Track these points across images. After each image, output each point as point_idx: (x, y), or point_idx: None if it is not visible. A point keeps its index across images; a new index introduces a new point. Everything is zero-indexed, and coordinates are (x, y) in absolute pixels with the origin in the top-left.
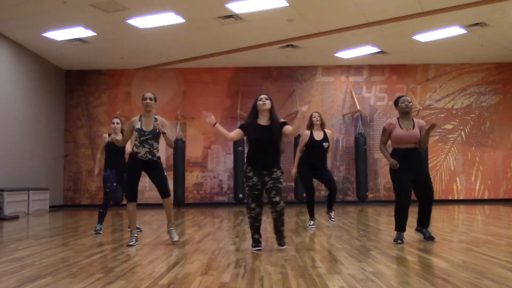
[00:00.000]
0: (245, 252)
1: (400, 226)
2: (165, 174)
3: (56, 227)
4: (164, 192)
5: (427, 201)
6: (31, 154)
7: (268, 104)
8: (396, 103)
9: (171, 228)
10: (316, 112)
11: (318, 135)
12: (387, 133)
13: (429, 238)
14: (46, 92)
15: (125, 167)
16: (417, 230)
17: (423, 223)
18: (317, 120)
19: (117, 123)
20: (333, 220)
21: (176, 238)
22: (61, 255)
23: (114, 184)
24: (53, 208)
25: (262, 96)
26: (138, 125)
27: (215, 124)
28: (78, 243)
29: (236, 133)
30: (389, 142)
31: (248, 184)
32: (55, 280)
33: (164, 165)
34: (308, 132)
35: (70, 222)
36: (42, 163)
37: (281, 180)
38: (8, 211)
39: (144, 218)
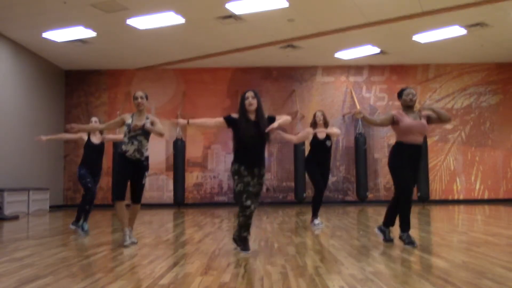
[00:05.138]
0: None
1: (408, 225)
2: (145, 182)
3: (56, 227)
4: (137, 198)
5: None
6: (31, 154)
7: (254, 104)
8: (399, 95)
9: (130, 232)
10: (320, 111)
11: (321, 134)
12: (390, 117)
13: (412, 242)
14: (46, 92)
15: (100, 170)
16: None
17: (406, 226)
18: (320, 120)
19: (95, 122)
20: (319, 226)
21: (127, 243)
22: (61, 255)
23: (89, 179)
24: (53, 208)
25: (248, 94)
26: (129, 121)
27: (188, 122)
28: (78, 243)
29: (216, 121)
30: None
31: (242, 181)
32: (55, 280)
33: (164, 165)
34: (311, 131)
35: (70, 222)
36: (42, 163)
37: (264, 182)
38: (8, 211)
39: (144, 218)
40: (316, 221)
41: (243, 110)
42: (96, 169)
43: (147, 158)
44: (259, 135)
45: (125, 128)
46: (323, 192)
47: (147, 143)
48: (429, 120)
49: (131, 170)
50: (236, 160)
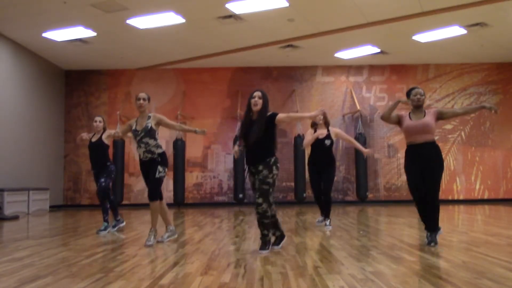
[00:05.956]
0: (245, 252)
1: (430, 224)
2: (159, 176)
3: (56, 227)
4: (148, 195)
5: (427, 202)
6: (31, 154)
7: (259, 105)
8: (408, 95)
9: (151, 232)
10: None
11: (320, 134)
12: (396, 116)
13: (429, 242)
14: (46, 92)
15: (103, 168)
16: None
17: (426, 225)
18: (320, 120)
19: (100, 122)
20: (318, 224)
21: (149, 243)
22: (61, 255)
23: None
24: (53, 208)
25: (256, 94)
26: (134, 126)
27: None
28: (78, 243)
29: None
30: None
31: (250, 179)
32: (55, 280)
33: None
34: (311, 131)
35: (70, 222)
36: (42, 163)
37: (268, 181)
38: (8, 211)
39: (144, 218)
40: (320, 218)
41: (247, 108)
42: (101, 167)
43: (160, 154)
44: (251, 133)
45: (132, 135)
46: (320, 194)
47: (154, 141)
48: (442, 115)
49: (147, 170)
50: None
